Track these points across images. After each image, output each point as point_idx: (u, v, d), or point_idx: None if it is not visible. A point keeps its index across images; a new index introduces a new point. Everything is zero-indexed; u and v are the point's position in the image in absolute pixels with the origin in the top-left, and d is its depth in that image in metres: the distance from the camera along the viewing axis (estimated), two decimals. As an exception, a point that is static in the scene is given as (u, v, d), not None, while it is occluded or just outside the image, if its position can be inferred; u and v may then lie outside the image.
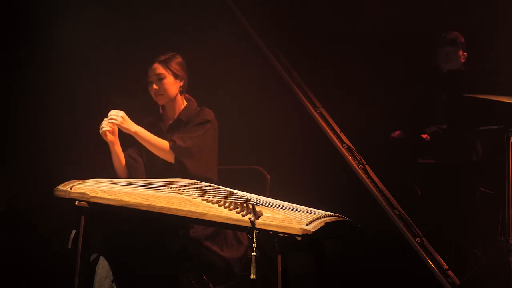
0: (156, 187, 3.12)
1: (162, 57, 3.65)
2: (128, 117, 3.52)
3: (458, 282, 4.01)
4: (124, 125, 3.46)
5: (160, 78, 3.61)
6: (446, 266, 4.08)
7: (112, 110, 3.48)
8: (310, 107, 4.49)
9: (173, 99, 3.66)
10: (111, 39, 4.61)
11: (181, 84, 3.67)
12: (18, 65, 4.57)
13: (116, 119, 3.45)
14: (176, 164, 3.49)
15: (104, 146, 3.62)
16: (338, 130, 4.44)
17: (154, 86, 3.62)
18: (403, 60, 4.97)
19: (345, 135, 4.43)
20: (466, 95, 4.09)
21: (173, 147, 3.50)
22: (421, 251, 4.11)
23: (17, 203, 4.46)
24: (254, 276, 2.68)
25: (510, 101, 3.79)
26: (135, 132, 3.49)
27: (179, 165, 3.48)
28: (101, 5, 4.58)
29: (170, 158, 3.51)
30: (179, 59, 3.68)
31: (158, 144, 3.51)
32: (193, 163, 3.49)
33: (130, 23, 4.63)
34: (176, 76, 3.64)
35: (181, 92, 3.66)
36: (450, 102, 4.72)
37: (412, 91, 4.92)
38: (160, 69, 3.62)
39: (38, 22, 4.56)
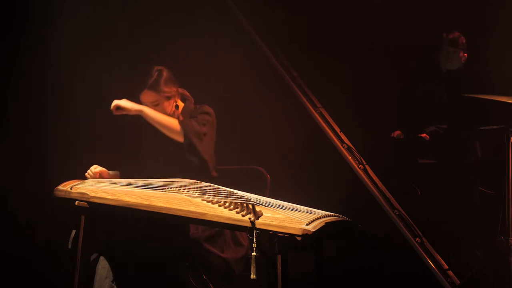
0: (156, 187, 3.12)
1: (149, 81, 3.52)
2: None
3: (458, 282, 4.01)
4: (125, 111, 3.41)
5: (154, 105, 3.54)
6: (446, 266, 4.08)
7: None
8: (310, 107, 4.49)
9: (171, 114, 3.64)
10: (111, 38, 4.60)
11: (176, 99, 3.62)
12: (17, 65, 4.57)
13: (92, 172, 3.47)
14: (186, 142, 3.44)
15: (104, 147, 3.62)
16: (338, 130, 4.44)
17: None
18: (403, 60, 4.97)
19: (345, 135, 4.43)
20: (466, 95, 4.09)
21: (182, 123, 3.46)
22: (421, 251, 4.10)
23: (16, 203, 4.46)
24: (254, 276, 2.68)
25: (510, 101, 3.79)
26: (139, 111, 3.43)
27: (189, 144, 3.44)
28: (101, 5, 4.58)
29: (179, 136, 3.45)
30: (165, 74, 3.56)
31: (167, 121, 3.45)
32: (202, 144, 3.46)
33: (129, 22, 4.62)
34: (168, 98, 3.57)
35: (177, 107, 3.63)
36: (450, 102, 4.73)
37: (416, 90, 4.91)
38: (151, 96, 3.53)
39: (38, 22, 4.56)
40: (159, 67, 3.58)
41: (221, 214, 2.83)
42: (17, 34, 4.55)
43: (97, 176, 3.47)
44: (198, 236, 3.32)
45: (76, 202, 3.06)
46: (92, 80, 4.59)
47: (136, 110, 3.45)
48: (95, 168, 3.50)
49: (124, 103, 3.46)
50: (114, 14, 4.60)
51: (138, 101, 3.57)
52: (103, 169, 3.53)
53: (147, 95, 3.54)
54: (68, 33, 4.54)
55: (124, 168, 3.64)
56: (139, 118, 3.53)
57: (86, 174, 3.50)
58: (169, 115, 3.58)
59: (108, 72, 4.56)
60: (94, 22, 4.59)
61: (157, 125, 3.47)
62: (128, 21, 4.61)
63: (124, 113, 3.47)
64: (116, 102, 3.45)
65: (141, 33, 4.65)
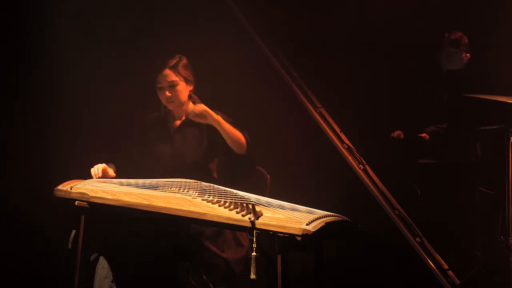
0: (156, 187, 3.12)
1: (171, 62, 3.59)
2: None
3: (458, 282, 4.01)
4: (202, 117, 3.40)
5: (172, 85, 3.56)
6: (446, 266, 4.07)
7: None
8: (310, 107, 4.49)
9: (183, 103, 3.64)
10: (111, 38, 4.60)
11: (191, 88, 3.63)
12: (17, 65, 4.56)
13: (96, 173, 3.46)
14: (247, 151, 3.50)
15: (104, 147, 3.61)
16: (338, 130, 4.44)
17: (167, 93, 3.57)
18: (403, 60, 4.97)
19: (345, 135, 4.43)
20: (466, 95, 4.09)
21: (244, 135, 3.50)
22: (421, 251, 4.10)
23: (17, 203, 4.46)
24: (254, 276, 2.68)
25: (510, 101, 3.79)
26: (218, 120, 3.42)
27: (247, 160, 3.52)
28: (101, 5, 4.58)
29: (242, 148, 3.49)
30: (185, 61, 3.63)
31: (237, 134, 3.47)
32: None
33: (129, 22, 4.62)
34: (187, 81, 3.61)
35: (189, 97, 3.62)
36: (450, 102, 4.72)
37: (416, 90, 4.91)
38: (172, 75, 3.57)
39: (38, 22, 4.56)
40: (180, 55, 3.65)
41: (221, 214, 2.83)
42: (17, 34, 4.55)
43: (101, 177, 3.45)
44: (198, 236, 3.32)
45: (76, 202, 3.07)
46: (92, 80, 4.59)
47: (215, 120, 3.43)
48: (103, 172, 3.48)
49: (209, 110, 3.44)
50: (114, 14, 4.59)
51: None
52: (110, 173, 3.53)
53: (167, 75, 3.57)
54: (68, 33, 4.54)
55: (124, 167, 3.63)
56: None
57: (91, 170, 3.48)
58: (183, 102, 3.61)
59: (108, 72, 4.56)
60: (94, 22, 4.59)
61: (226, 136, 3.45)
62: (128, 21, 4.61)
63: (200, 119, 3.43)
64: (203, 107, 3.42)
65: (141, 33, 4.65)
